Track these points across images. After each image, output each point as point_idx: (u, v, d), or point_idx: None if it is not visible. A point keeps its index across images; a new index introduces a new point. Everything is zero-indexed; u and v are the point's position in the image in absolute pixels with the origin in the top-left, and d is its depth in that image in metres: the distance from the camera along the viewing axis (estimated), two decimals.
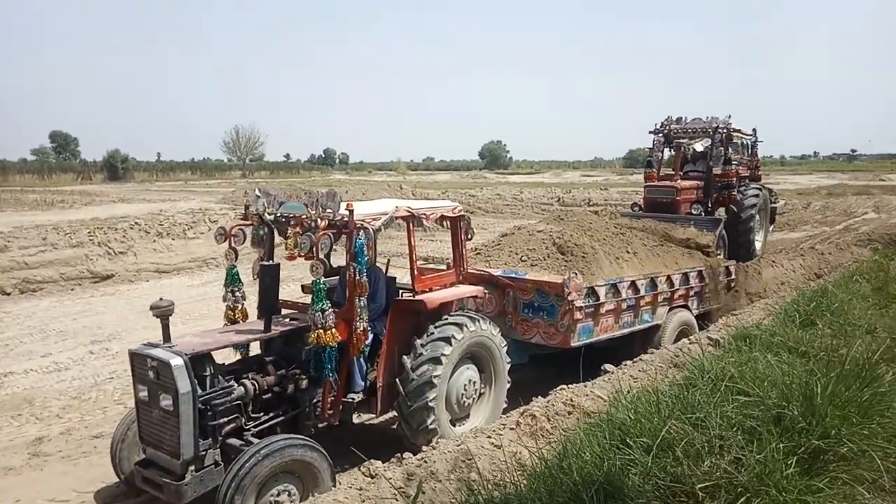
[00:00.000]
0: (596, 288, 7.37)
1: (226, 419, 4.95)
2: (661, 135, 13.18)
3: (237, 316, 5.97)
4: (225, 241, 5.91)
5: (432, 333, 5.89)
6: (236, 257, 5.96)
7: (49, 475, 5.85)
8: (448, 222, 6.56)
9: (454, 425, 6.13)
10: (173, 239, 16.73)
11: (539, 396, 4.47)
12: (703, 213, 12.21)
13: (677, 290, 8.66)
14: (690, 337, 6.79)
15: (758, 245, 12.58)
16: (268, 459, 4.48)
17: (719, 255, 10.74)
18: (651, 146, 13.31)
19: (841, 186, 32.66)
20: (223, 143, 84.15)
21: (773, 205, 14.08)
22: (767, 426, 3.03)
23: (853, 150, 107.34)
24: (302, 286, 6.79)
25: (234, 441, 5.00)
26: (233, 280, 5.97)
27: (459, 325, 6.02)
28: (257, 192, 6.04)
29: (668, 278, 8.47)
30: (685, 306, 8.94)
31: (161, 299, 4.94)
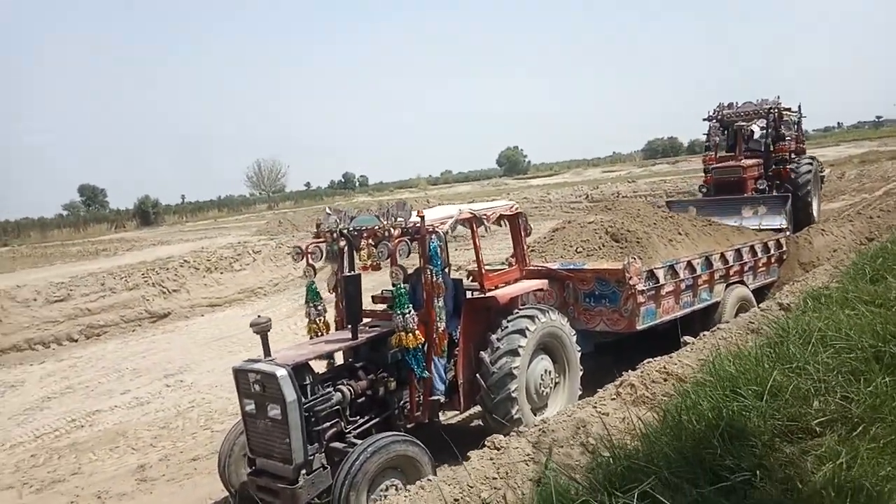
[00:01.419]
0: (654, 270, 7.51)
1: (328, 424, 5.22)
2: (715, 120, 13.93)
3: (320, 328, 6.25)
4: (302, 258, 6.22)
5: (506, 328, 6.10)
6: (315, 273, 6.24)
7: (159, 497, 6.18)
8: (507, 221, 6.79)
9: (535, 415, 6.32)
10: (221, 273, 17.21)
11: (626, 371, 4.64)
12: (765, 190, 12.88)
13: (732, 266, 8.76)
14: (760, 305, 6.89)
15: (815, 211, 13.40)
16: (375, 456, 4.72)
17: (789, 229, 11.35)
18: (707, 132, 14.13)
19: (873, 153, 32.18)
20: (246, 177, 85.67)
21: (821, 174, 14.98)
22: (868, 366, 3.19)
23: (878, 117, 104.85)
24: (372, 296, 7.06)
25: (336, 444, 5.26)
26: (314, 295, 6.26)
27: (531, 318, 6.22)
28: (328, 210, 6.39)
29: (722, 255, 8.58)
30: (741, 282, 9.03)
31: (259, 316, 5.26)
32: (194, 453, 7.10)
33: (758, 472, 2.48)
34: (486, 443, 3.56)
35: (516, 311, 6.32)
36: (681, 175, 42.26)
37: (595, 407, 3.77)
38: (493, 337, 6.06)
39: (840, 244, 9.87)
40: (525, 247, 6.95)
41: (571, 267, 7.71)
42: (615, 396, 3.90)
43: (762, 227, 11.34)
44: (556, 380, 6.63)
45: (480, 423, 6.78)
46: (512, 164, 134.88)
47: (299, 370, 5.10)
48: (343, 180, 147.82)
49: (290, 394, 4.90)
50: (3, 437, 8.37)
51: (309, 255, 6.20)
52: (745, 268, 9.12)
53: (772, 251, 9.73)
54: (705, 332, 5.49)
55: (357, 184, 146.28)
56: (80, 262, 24.99)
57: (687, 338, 5.71)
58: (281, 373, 4.91)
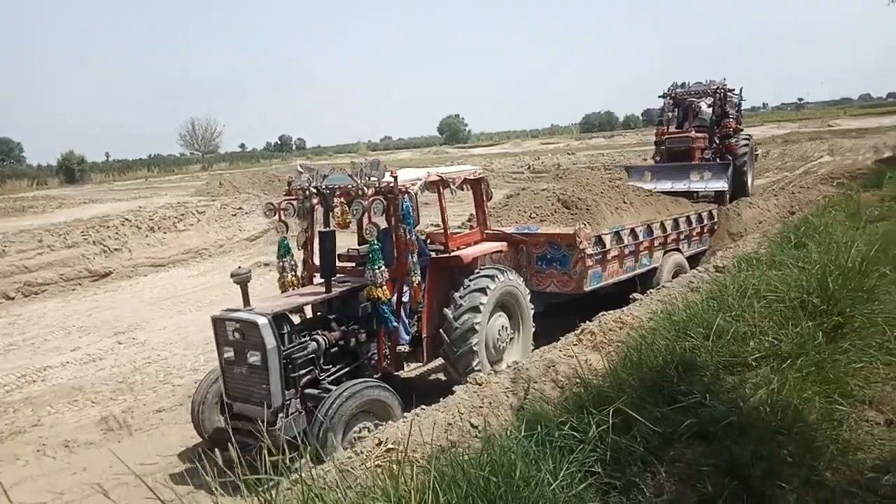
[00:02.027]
0: (602, 236, 8.05)
1: (304, 371, 5.51)
2: (669, 98, 15.75)
3: (291, 283, 6.46)
4: (275, 215, 6.39)
5: (468, 286, 6.48)
6: (287, 230, 6.42)
7: (128, 446, 6.31)
8: (470, 185, 7.13)
9: (492, 367, 6.78)
10: (165, 233, 16.92)
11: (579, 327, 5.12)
12: (710, 159, 14.61)
13: (670, 234, 9.43)
14: (697, 268, 7.54)
15: (750, 183, 15.30)
16: (350, 400, 5.06)
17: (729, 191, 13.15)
18: (661, 107, 15.99)
19: (794, 134, 34.14)
20: (179, 136, 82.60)
21: (755, 151, 17.11)
22: (794, 313, 3.76)
23: (800, 99, 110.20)
24: (339, 255, 7.29)
25: (311, 391, 5.56)
26: (285, 251, 6.45)
27: (491, 277, 6.62)
28: (299, 167, 6.55)
29: (662, 224, 9.22)
30: (677, 249, 9.73)
31: (239, 267, 5.50)
32: (158, 405, 7.23)
33: (707, 395, 2.98)
34: (468, 380, 3.95)
35: (477, 270, 6.70)
36: (616, 149, 43.62)
37: (561, 350, 4.23)
38: (456, 295, 6.42)
39: (765, 217, 10.74)
40: (486, 210, 7.33)
41: (526, 231, 8.15)
42: (577, 343, 4.37)
43: (707, 189, 13.32)
44: (511, 335, 7.08)
45: (440, 377, 7.21)
46: (453, 132, 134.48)
47: (278, 319, 5.36)
48: (279, 143, 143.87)
49: (270, 341, 5.16)
50: None
51: (281, 212, 6.37)
52: (682, 236, 9.83)
53: (705, 221, 10.48)
54: (651, 290, 6.04)
55: (294, 147, 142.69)
56: (7, 219, 23.82)
57: (636, 294, 6.26)
58: (262, 321, 5.17)
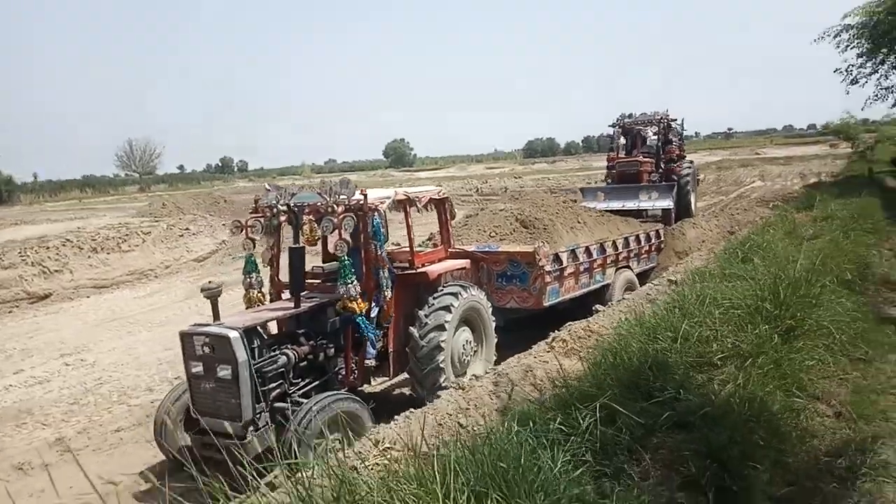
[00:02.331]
0: (559, 254, 8.37)
1: (274, 385, 5.51)
2: (618, 126, 17.47)
3: (257, 299, 6.46)
4: (241, 232, 6.41)
5: (433, 304, 6.61)
6: (254, 246, 6.44)
7: (88, 465, 6.08)
8: (434, 205, 7.32)
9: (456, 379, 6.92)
10: (108, 253, 16.43)
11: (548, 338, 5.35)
12: (656, 181, 16.06)
13: (621, 252, 9.85)
14: (652, 281, 7.92)
15: (693, 204, 16.61)
16: (322, 413, 5.05)
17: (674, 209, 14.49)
18: (611, 135, 17.72)
19: (726, 161, 35.97)
20: (116, 157, 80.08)
21: (697, 176, 18.95)
22: (751, 318, 4.09)
23: (730, 129, 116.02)
24: (305, 272, 7.32)
25: (280, 404, 5.55)
26: (252, 267, 6.47)
27: (455, 294, 6.78)
28: (267, 186, 6.61)
29: (614, 243, 9.63)
30: (628, 266, 10.15)
31: (210, 282, 5.49)
32: (116, 425, 7.04)
33: (680, 391, 3.22)
34: (451, 385, 4.08)
35: (441, 287, 6.86)
36: (560, 173, 44.87)
37: (535, 357, 4.42)
38: (422, 313, 6.53)
39: (707, 236, 11.35)
40: (450, 229, 7.52)
41: (487, 249, 8.38)
42: (549, 350, 4.58)
43: (655, 207, 14.85)
44: (475, 348, 7.25)
45: (405, 391, 7.29)
46: (398, 156, 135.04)
47: (249, 333, 5.36)
48: (220, 164, 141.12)
49: (241, 355, 5.16)
50: None
51: (248, 229, 6.40)
52: (631, 254, 10.27)
53: (652, 240, 10.99)
54: (611, 302, 6.34)
55: (236, 168, 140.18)
56: None
57: (598, 306, 6.54)
58: (233, 335, 5.16)
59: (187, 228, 18.78)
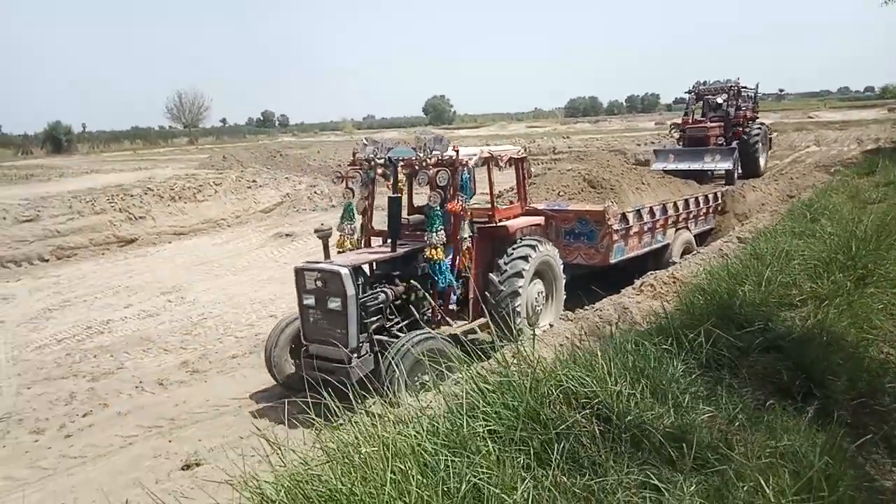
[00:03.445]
0: (626, 214, 8.91)
1: (375, 318, 6.22)
2: (692, 93, 19.56)
3: (351, 244, 7.16)
4: (342, 182, 7.12)
5: (511, 254, 7.24)
6: (354, 195, 7.12)
7: (215, 385, 7.06)
8: (513, 163, 7.90)
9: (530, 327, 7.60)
10: (185, 203, 17.47)
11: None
12: (723, 144, 17.66)
13: (681, 213, 10.32)
14: (722, 238, 8.45)
15: (762, 164, 18.50)
16: (418, 346, 5.64)
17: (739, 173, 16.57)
18: (686, 101, 20.03)
19: (778, 125, 35.28)
20: (166, 109, 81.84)
21: (770, 136, 20.40)
22: (826, 267, 4.68)
23: (781, 90, 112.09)
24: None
25: (378, 337, 6.27)
26: (350, 215, 7.15)
27: (533, 247, 7.38)
28: (364, 141, 7.25)
29: (675, 204, 10.10)
30: (686, 227, 10.62)
31: (322, 224, 6.24)
32: (230, 353, 7.97)
33: (768, 323, 3.84)
34: (561, 314, 4.77)
35: (519, 240, 7.48)
36: (606, 133, 44.61)
37: (628, 298, 5.08)
38: (501, 262, 7.15)
39: (767, 199, 11.70)
40: (526, 187, 8.11)
41: (557, 207, 8.96)
42: (639, 293, 5.22)
43: (717, 168, 16.77)
44: (546, 300, 7.90)
45: (478, 335, 8.00)
46: (438, 112, 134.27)
47: (356, 271, 6.08)
48: (262, 118, 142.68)
49: (350, 288, 5.87)
50: (23, 341, 8.88)
51: (349, 180, 7.09)
52: (691, 216, 10.72)
53: (710, 202, 11.40)
54: (686, 256, 6.92)
55: (277, 123, 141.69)
56: (10, 186, 24.06)
57: (674, 258, 7.10)
58: (344, 271, 5.89)
59: (254, 181, 19.72)
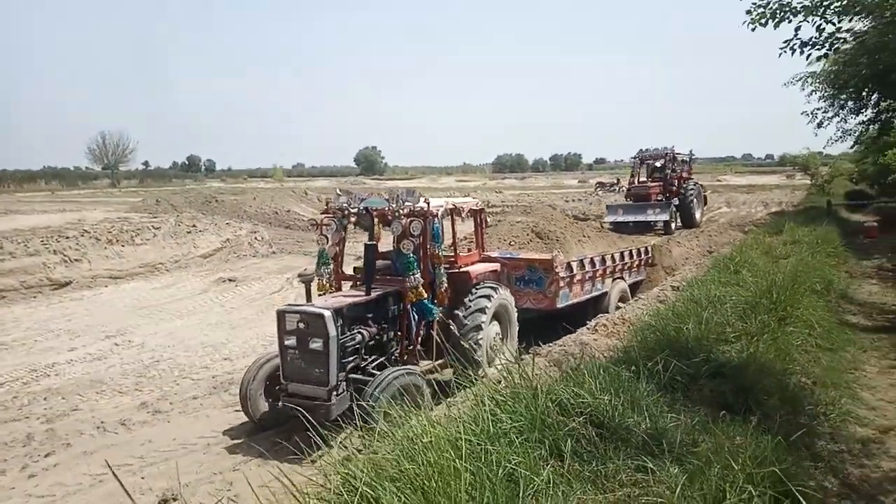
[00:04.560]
0: (571, 262, 9.68)
1: (351, 358, 6.60)
2: (637, 159, 23.66)
3: (326, 288, 7.53)
4: (317, 229, 7.52)
5: (475, 293, 7.82)
6: (328, 242, 7.53)
7: (180, 425, 7.11)
8: (472, 215, 8.54)
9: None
10: (123, 246, 17.17)
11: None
12: (662, 200, 21.30)
13: (617, 264, 11.22)
14: (654, 289, 9.30)
15: (698, 217, 22.09)
16: (396, 381, 6.08)
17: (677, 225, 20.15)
18: (632, 165, 24.08)
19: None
20: (88, 150, 79.16)
21: (704, 193, 23.87)
22: (753, 309, 5.46)
23: (691, 153, 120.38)
24: (354, 268, 8.44)
25: (355, 375, 6.63)
26: (326, 259, 7.53)
27: (494, 289, 8.00)
28: (338, 191, 7.74)
29: (612, 256, 11.00)
30: (622, 277, 11.53)
31: (305, 269, 6.61)
32: (190, 394, 8.01)
33: (710, 354, 4.50)
34: (524, 353, 5.31)
35: (479, 284, 8.07)
36: (536, 190, 46.60)
37: (584, 336, 5.69)
38: (466, 300, 7.72)
39: (690, 254, 12.86)
40: (484, 236, 8.75)
41: (509, 256, 9.64)
42: (594, 332, 5.85)
43: (657, 219, 20.24)
44: (502, 340, 8.46)
45: (437, 375, 8.41)
46: (369, 163, 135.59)
47: (337, 313, 6.45)
48: (187, 163, 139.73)
49: (332, 330, 6.24)
50: None
51: (323, 227, 7.51)
52: (626, 266, 11.65)
53: (643, 255, 12.40)
54: (630, 302, 7.66)
55: (203, 168, 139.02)
56: None
57: (620, 304, 7.84)
58: (327, 313, 6.25)
59: (194, 225, 19.58)
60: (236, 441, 6.67)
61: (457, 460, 2.35)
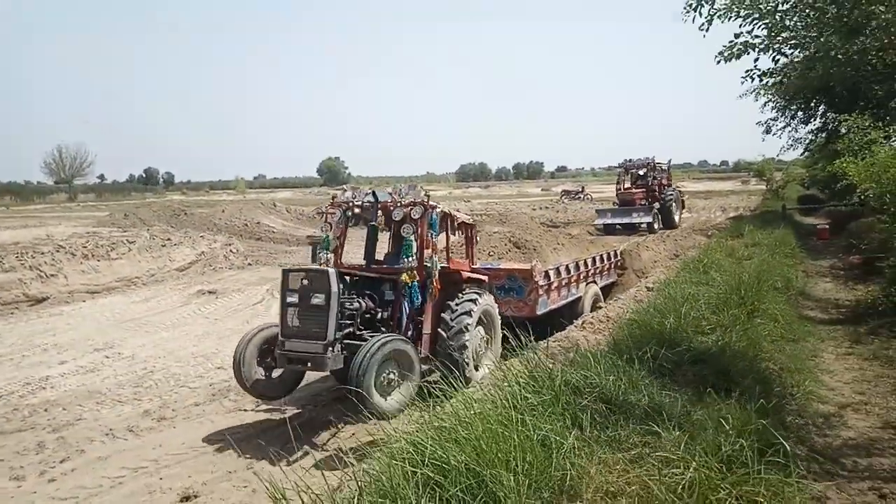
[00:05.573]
0: (548, 271, 10.23)
1: (349, 321, 7.04)
2: (622, 167, 26.63)
3: None
4: (323, 217, 8.08)
5: (462, 297, 8.28)
6: (331, 230, 7.98)
7: (185, 430, 7.38)
8: (464, 228, 9.01)
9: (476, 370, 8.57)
10: (98, 260, 17.15)
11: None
12: (645, 204, 24.34)
13: (590, 269, 11.84)
14: (631, 289, 9.92)
15: (677, 219, 25.24)
16: (386, 346, 6.52)
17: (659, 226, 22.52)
18: (618, 174, 26.92)
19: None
20: (44, 164, 77.25)
21: (682, 198, 27.23)
22: (725, 304, 6.09)
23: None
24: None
25: (350, 341, 6.98)
26: (327, 245, 7.97)
27: (479, 293, 8.48)
28: (344, 187, 8.30)
29: (585, 261, 11.61)
30: (594, 281, 12.15)
31: (314, 232, 7.11)
32: (191, 401, 8.27)
33: (690, 344, 5.07)
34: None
35: (466, 290, 8.53)
36: (499, 198, 47.41)
37: (573, 333, 6.23)
38: (452, 303, 8.17)
39: (658, 257, 13.60)
40: (473, 251, 9.23)
41: (489, 266, 10.13)
42: (582, 329, 6.39)
43: (641, 221, 23.32)
44: (486, 345, 8.90)
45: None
46: (333, 173, 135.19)
47: (339, 275, 6.92)
48: (144, 175, 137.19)
49: (335, 286, 6.72)
50: None
51: (328, 215, 8.03)
52: (597, 270, 12.29)
53: (612, 259, 13.07)
54: (609, 302, 8.25)
55: (161, 180, 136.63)
56: None
57: (600, 304, 8.42)
58: (331, 270, 6.79)
59: (168, 239, 19.63)
60: (246, 442, 6.97)
61: (502, 427, 2.82)
